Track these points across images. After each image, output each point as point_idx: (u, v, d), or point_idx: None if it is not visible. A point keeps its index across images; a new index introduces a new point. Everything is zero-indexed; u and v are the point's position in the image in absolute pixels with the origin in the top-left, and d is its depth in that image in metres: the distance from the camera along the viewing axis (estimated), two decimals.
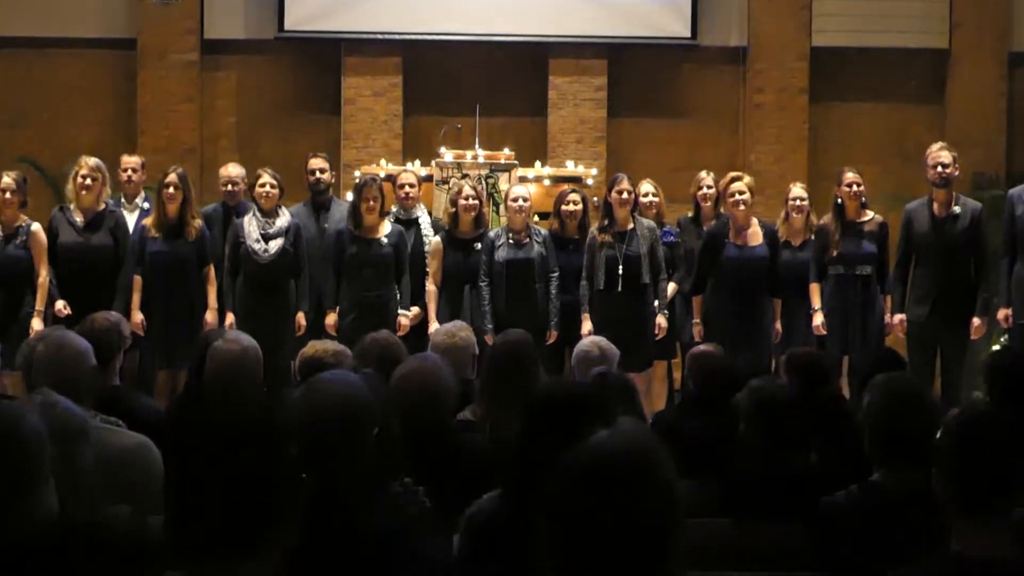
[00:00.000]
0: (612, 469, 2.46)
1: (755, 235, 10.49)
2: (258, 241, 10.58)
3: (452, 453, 5.24)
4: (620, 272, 10.38)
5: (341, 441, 3.53)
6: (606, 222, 10.53)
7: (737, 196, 10.39)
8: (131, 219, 10.94)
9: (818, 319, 10.42)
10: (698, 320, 10.50)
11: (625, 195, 10.51)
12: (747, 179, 10.61)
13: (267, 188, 10.67)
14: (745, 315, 10.38)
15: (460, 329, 7.61)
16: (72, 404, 4.40)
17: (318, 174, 11.28)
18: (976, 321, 10.29)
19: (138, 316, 10.33)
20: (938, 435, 3.65)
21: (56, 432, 4.07)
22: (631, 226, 10.50)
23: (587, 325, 10.31)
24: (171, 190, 10.48)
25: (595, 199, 11.37)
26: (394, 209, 10.97)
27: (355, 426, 3.57)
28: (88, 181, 10.42)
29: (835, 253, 10.43)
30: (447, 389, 5.44)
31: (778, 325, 10.52)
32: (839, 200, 10.54)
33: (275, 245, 10.60)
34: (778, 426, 5.17)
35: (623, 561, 2.42)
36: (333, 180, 11.55)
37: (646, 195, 11.05)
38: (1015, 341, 10.15)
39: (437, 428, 5.34)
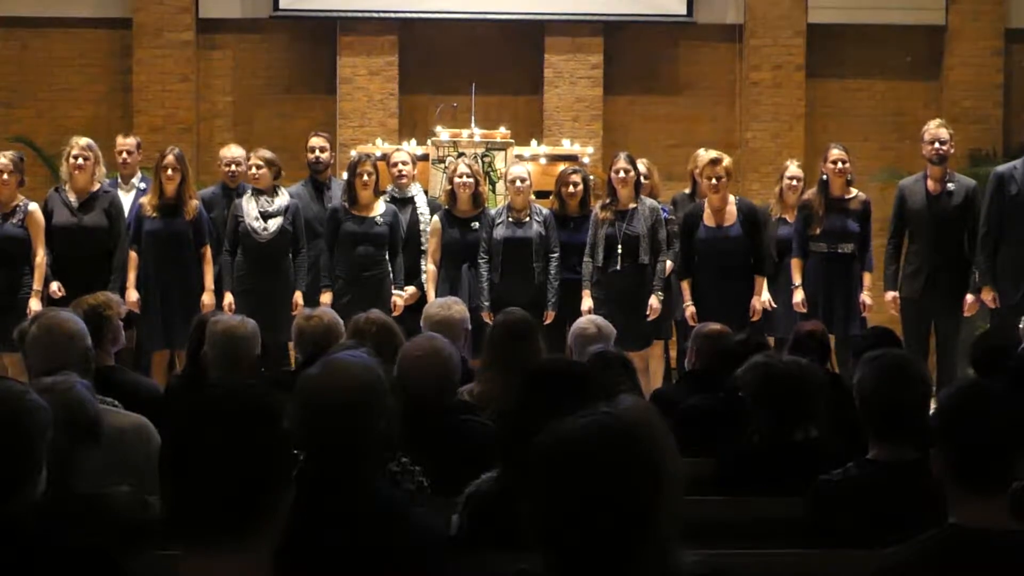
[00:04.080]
0: (584, 445, 2.46)
1: (730, 215, 10.50)
2: (257, 219, 10.58)
3: (455, 432, 5.25)
4: (619, 250, 10.39)
5: (357, 420, 3.54)
6: (608, 200, 10.53)
7: (715, 179, 10.40)
8: (127, 199, 10.92)
9: (798, 296, 10.41)
10: (689, 302, 10.49)
11: (622, 174, 10.51)
12: (727, 161, 10.58)
13: (254, 170, 10.67)
14: (726, 294, 10.39)
15: (454, 303, 7.63)
16: (86, 387, 4.40)
17: (318, 152, 11.25)
18: (970, 298, 10.28)
19: (134, 294, 10.34)
20: (932, 409, 3.66)
21: (68, 417, 4.08)
22: (633, 205, 10.51)
23: (587, 302, 10.33)
24: (170, 171, 10.48)
25: (592, 177, 11.36)
26: (389, 188, 10.96)
27: (371, 406, 3.57)
28: (80, 161, 10.41)
29: (818, 231, 10.43)
30: (455, 369, 5.45)
31: (755, 302, 10.50)
32: (824, 176, 10.53)
33: (274, 224, 10.60)
34: (782, 401, 5.17)
35: (605, 537, 2.42)
36: (332, 159, 11.53)
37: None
38: (998, 323, 10.08)
39: (442, 408, 5.34)
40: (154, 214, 10.48)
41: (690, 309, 10.43)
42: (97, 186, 10.55)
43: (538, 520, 2.46)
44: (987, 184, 10.30)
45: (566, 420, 2.51)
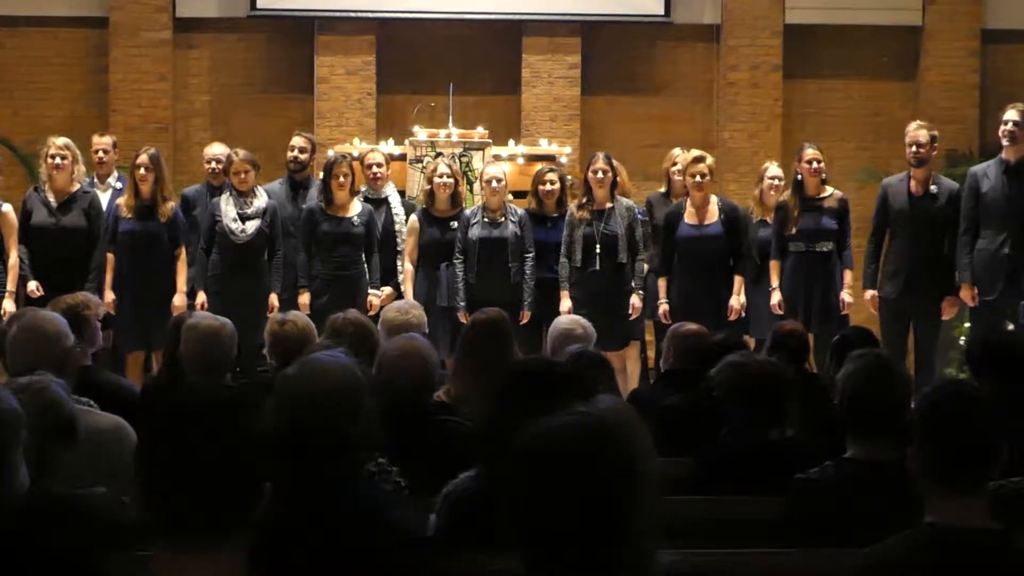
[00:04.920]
0: (562, 445, 2.46)
1: (711, 214, 10.53)
2: (235, 221, 10.56)
3: (434, 433, 5.25)
4: (598, 250, 10.40)
5: (334, 420, 3.53)
6: (585, 200, 10.54)
7: (698, 177, 10.42)
8: (104, 199, 10.88)
9: (775, 297, 10.43)
10: (664, 300, 10.50)
11: (601, 174, 10.52)
12: (709, 160, 10.63)
13: (240, 175, 10.61)
14: (705, 293, 10.42)
15: (412, 307, 7.63)
16: (62, 387, 4.38)
17: (298, 152, 11.23)
18: (948, 300, 10.31)
19: (110, 295, 10.32)
20: (911, 409, 3.67)
21: (43, 416, 4.07)
22: (610, 205, 10.52)
23: (566, 303, 10.33)
24: (143, 171, 10.45)
25: (570, 177, 11.37)
26: (363, 189, 10.94)
27: (348, 406, 3.57)
28: (59, 160, 10.38)
29: (794, 230, 10.45)
30: (434, 370, 5.46)
31: (733, 301, 10.52)
32: (799, 176, 10.55)
33: (252, 225, 10.57)
34: (757, 400, 5.19)
35: (582, 536, 2.42)
36: (312, 160, 11.49)
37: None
38: (980, 319, 10.14)
39: (421, 408, 5.34)
40: (129, 215, 10.45)
41: (663, 307, 10.44)
42: (76, 186, 10.52)
43: (516, 519, 2.46)
44: (965, 184, 10.34)
45: (544, 420, 2.51)
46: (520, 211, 10.69)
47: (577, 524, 2.41)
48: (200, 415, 2.62)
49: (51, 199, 10.42)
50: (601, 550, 2.42)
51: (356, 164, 10.90)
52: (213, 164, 11.21)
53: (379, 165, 10.97)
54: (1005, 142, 10.10)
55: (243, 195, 10.62)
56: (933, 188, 10.33)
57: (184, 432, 2.59)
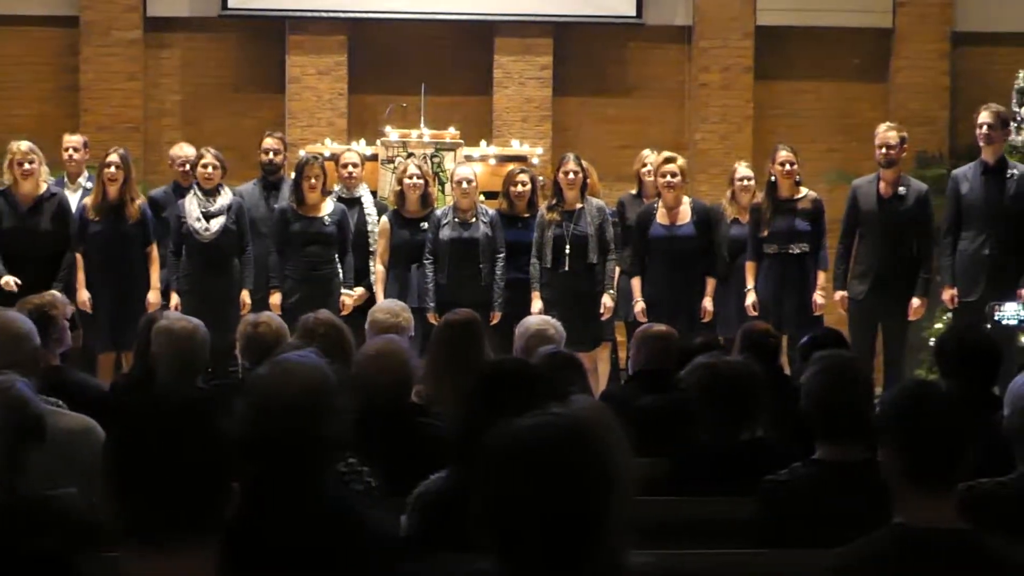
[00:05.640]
0: (535, 445, 2.46)
1: (683, 214, 10.56)
2: (199, 220, 10.54)
3: (410, 433, 5.25)
4: (568, 251, 10.41)
5: (306, 421, 3.52)
6: (554, 201, 10.55)
7: (669, 177, 10.45)
8: (74, 199, 10.85)
9: (749, 299, 10.46)
10: (639, 299, 10.52)
11: (572, 175, 10.54)
12: (680, 161, 10.66)
13: (208, 169, 10.63)
14: (678, 293, 10.44)
15: (402, 310, 7.61)
16: (27, 387, 4.36)
17: (271, 155, 11.22)
18: (916, 301, 10.33)
19: (84, 294, 10.31)
20: (876, 409, 3.69)
21: (9, 416, 4.05)
22: (580, 205, 10.53)
23: (537, 303, 10.33)
24: (112, 170, 10.41)
25: (541, 178, 11.38)
26: (336, 188, 10.94)
27: (320, 406, 3.56)
28: (26, 166, 10.34)
29: (766, 232, 10.47)
30: (412, 371, 5.45)
31: (707, 303, 10.55)
32: (772, 178, 10.58)
33: (216, 223, 10.56)
34: (727, 401, 5.20)
35: (555, 537, 2.42)
36: (285, 161, 11.48)
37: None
38: (959, 320, 10.20)
39: (398, 409, 5.34)
40: (96, 216, 10.41)
41: (639, 305, 10.45)
42: (44, 187, 10.49)
43: (490, 519, 2.46)
44: (947, 186, 10.40)
45: (517, 420, 2.51)
46: (491, 211, 10.69)
47: (551, 525, 2.41)
48: (167, 415, 2.61)
49: (20, 204, 10.37)
50: (575, 551, 2.43)
51: (328, 164, 10.89)
52: (186, 165, 11.18)
53: (355, 165, 10.97)
54: (982, 143, 10.16)
55: (208, 193, 10.61)
56: (902, 189, 10.36)
57: (151, 432, 2.58)
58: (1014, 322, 9.64)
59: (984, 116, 10.14)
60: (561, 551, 2.42)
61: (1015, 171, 10.19)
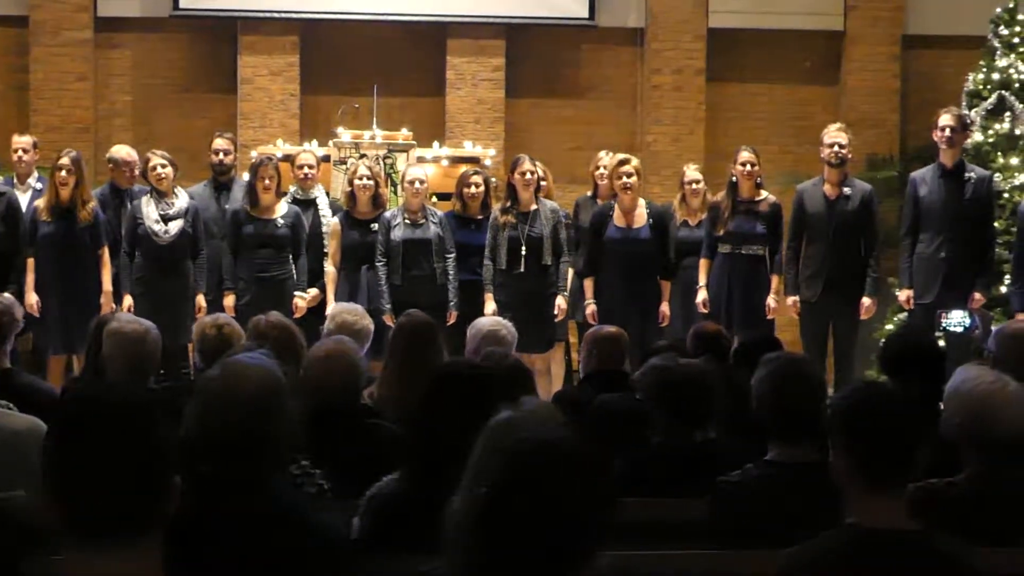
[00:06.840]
0: (539, 455, 2.47)
1: (639, 217, 10.57)
2: (157, 222, 10.50)
3: (361, 435, 5.24)
4: (523, 252, 10.41)
5: (256, 422, 3.50)
6: (508, 203, 10.54)
7: (625, 179, 10.47)
8: (24, 199, 10.77)
9: (700, 296, 10.50)
10: (591, 300, 10.53)
11: (529, 175, 10.53)
12: (635, 162, 10.69)
13: (159, 170, 10.57)
14: (633, 295, 10.46)
15: (364, 315, 7.57)
16: None
17: (222, 156, 11.18)
18: (866, 301, 10.38)
19: (32, 297, 10.23)
20: (827, 410, 3.70)
21: None
22: (534, 207, 10.53)
23: (491, 305, 10.31)
24: (63, 173, 10.34)
25: (494, 180, 11.37)
26: (292, 189, 10.90)
27: (271, 408, 3.54)
28: None
29: (722, 231, 10.51)
30: (361, 372, 5.45)
31: (664, 307, 10.58)
32: (734, 178, 10.61)
33: (175, 226, 10.52)
34: (680, 402, 5.22)
35: (547, 543, 2.43)
36: (236, 161, 11.43)
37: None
38: (915, 321, 10.25)
39: (347, 410, 5.33)
40: (48, 218, 10.35)
41: (591, 307, 10.46)
42: None
43: (480, 520, 2.45)
44: (906, 189, 10.47)
45: (532, 431, 2.52)
46: (440, 213, 10.68)
47: (548, 531, 2.43)
48: (105, 413, 2.60)
49: None
50: (560, 565, 2.44)
51: (284, 164, 10.86)
52: (135, 171, 11.09)
53: (310, 166, 10.94)
54: (943, 146, 10.22)
55: (163, 196, 10.55)
56: (847, 190, 10.41)
57: (89, 430, 2.57)
58: (959, 329, 9.68)
59: (946, 119, 10.20)
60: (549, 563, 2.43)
61: (972, 174, 10.27)
